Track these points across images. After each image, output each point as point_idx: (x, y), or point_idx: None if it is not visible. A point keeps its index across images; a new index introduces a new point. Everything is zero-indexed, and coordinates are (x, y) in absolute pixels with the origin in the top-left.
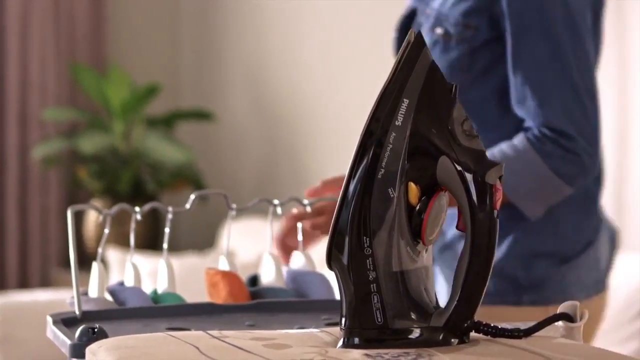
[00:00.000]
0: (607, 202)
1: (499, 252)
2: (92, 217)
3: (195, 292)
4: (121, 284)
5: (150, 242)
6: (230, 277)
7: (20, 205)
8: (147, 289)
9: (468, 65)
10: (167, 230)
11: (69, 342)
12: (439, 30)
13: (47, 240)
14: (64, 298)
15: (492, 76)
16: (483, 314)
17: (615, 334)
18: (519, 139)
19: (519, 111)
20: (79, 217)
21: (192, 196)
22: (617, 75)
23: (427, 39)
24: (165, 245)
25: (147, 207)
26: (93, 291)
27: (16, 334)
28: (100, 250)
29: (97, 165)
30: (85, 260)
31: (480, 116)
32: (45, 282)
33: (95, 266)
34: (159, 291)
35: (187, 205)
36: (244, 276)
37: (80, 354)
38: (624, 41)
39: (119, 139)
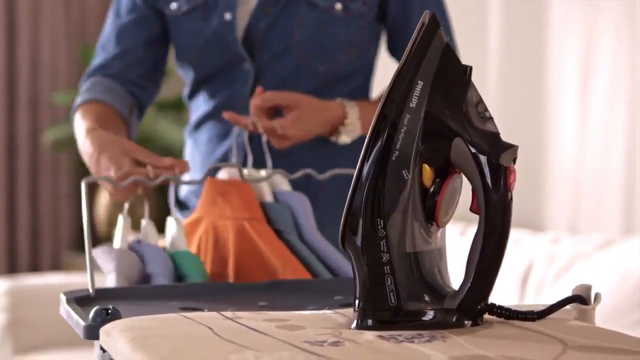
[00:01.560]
0: (618, 186)
1: None
2: (103, 201)
3: None
4: (138, 241)
5: (161, 227)
6: (244, 187)
7: (31, 189)
8: None
9: (360, 39)
10: (171, 192)
11: (83, 323)
12: (338, 7)
13: (58, 223)
14: (74, 282)
15: (371, 47)
16: None
17: (628, 316)
18: None
19: None
20: (90, 200)
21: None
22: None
23: (317, 15)
24: (172, 201)
25: (161, 178)
26: (117, 243)
27: (27, 317)
28: (126, 205)
29: None
30: (97, 243)
31: (362, 85)
32: (56, 266)
33: (120, 219)
34: (167, 245)
35: (199, 176)
36: None
37: (94, 335)
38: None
39: None
